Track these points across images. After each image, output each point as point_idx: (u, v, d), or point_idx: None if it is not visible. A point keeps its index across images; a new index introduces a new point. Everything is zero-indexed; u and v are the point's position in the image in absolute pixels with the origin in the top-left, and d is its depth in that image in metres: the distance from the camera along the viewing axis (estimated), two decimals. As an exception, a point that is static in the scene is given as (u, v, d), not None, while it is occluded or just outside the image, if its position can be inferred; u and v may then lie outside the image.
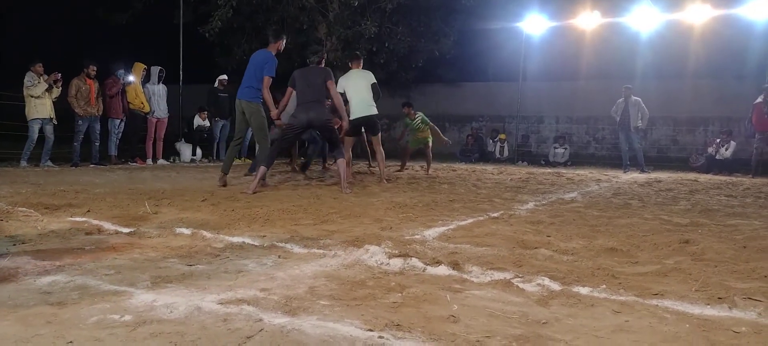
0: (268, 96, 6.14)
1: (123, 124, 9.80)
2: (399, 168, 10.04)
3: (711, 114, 14.26)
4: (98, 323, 1.75)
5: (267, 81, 6.08)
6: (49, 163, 8.76)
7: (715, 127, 14.01)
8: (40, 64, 8.64)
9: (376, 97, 7.07)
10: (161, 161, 10.37)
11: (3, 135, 10.33)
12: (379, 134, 7.43)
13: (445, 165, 11.72)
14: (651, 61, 13.96)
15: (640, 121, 11.35)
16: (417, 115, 9.71)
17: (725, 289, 2.28)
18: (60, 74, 8.69)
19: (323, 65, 6.35)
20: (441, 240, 3.30)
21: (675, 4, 12.92)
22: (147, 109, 9.99)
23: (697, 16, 12.65)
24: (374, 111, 7.04)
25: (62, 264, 2.49)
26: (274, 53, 6.23)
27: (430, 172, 9.41)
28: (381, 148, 7.41)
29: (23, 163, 8.52)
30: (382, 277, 2.40)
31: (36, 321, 1.76)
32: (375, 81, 7.05)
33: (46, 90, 8.51)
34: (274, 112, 6.16)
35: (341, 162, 6.09)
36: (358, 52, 7.95)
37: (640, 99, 11.36)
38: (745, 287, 2.33)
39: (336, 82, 6.31)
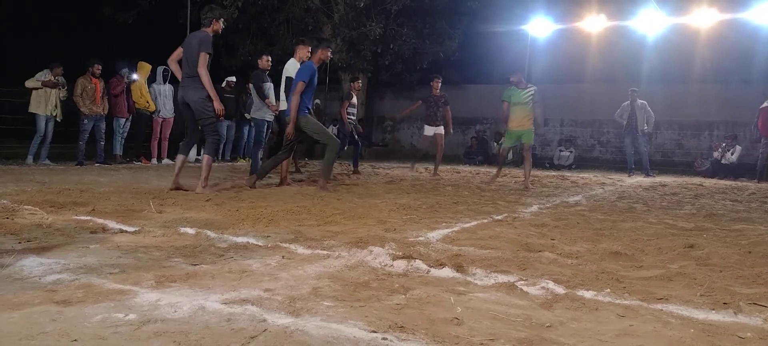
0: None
1: (128, 123, 9.85)
2: (494, 175, 8.51)
3: (716, 118, 14.21)
4: (102, 322, 1.75)
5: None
6: (47, 161, 8.83)
7: (720, 132, 13.96)
8: (61, 68, 8.82)
9: (286, 93, 6.37)
10: (166, 161, 10.40)
11: (7, 131, 10.39)
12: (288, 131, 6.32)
13: (448, 167, 11.70)
14: (656, 64, 13.93)
15: (646, 125, 11.33)
16: (529, 87, 7.61)
17: (730, 294, 2.27)
18: (63, 85, 8.86)
19: (214, 28, 5.34)
20: (445, 242, 3.29)
21: (681, 7, 12.88)
22: (152, 108, 10.03)
23: (703, 20, 12.61)
24: (284, 106, 6.45)
25: (67, 262, 2.50)
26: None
27: (528, 183, 7.49)
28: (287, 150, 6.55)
29: (29, 159, 8.59)
30: (385, 278, 2.40)
31: (41, 319, 1.76)
32: (291, 76, 6.29)
33: (46, 86, 8.63)
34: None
35: (207, 160, 5.50)
36: (303, 39, 6.94)
37: (646, 102, 11.33)
38: (751, 292, 2.32)
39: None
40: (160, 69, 10.27)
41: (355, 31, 14.37)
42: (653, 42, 13.63)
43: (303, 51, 6.54)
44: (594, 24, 13.85)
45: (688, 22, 12.90)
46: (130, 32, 15.99)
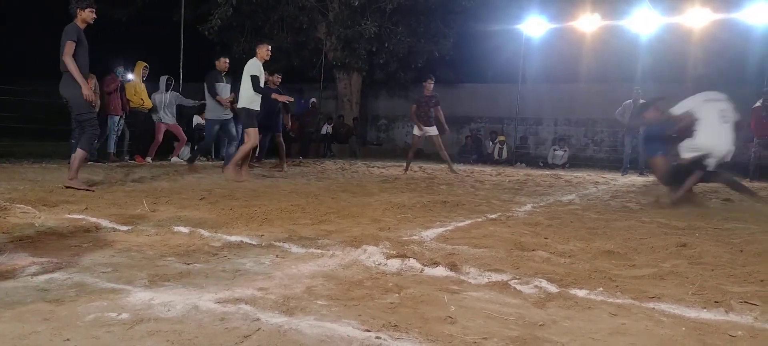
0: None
1: (123, 121, 9.80)
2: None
3: (709, 118, 14.25)
4: (95, 321, 1.75)
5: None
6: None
7: (713, 131, 14.00)
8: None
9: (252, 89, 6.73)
10: (176, 159, 10.42)
11: (1, 129, 10.32)
12: (251, 128, 6.86)
13: (442, 166, 11.70)
14: (650, 64, 13.99)
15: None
16: None
17: (722, 293, 2.29)
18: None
19: (82, 18, 5.10)
20: (439, 241, 3.30)
21: (674, 7, 12.95)
22: (148, 104, 9.97)
23: (697, 20, 12.68)
24: (240, 103, 6.84)
25: (60, 261, 2.49)
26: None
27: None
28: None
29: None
30: (379, 277, 2.40)
31: (33, 318, 1.76)
32: (255, 74, 6.68)
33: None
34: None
35: (79, 153, 5.27)
36: (263, 39, 7.29)
37: (646, 102, 11.36)
38: (742, 290, 2.34)
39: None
40: (162, 78, 10.23)
41: (349, 30, 14.36)
42: (647, 42, 13.68)
43: (263, 50, 6.83)
44: (588, 23, 13.90)
45: (682, 21, 12.96)
46: (125, 30, 15.92)
